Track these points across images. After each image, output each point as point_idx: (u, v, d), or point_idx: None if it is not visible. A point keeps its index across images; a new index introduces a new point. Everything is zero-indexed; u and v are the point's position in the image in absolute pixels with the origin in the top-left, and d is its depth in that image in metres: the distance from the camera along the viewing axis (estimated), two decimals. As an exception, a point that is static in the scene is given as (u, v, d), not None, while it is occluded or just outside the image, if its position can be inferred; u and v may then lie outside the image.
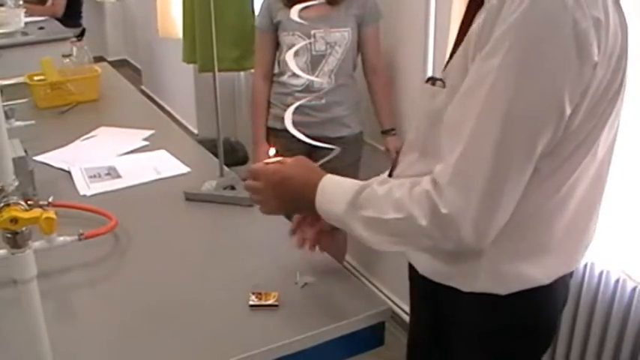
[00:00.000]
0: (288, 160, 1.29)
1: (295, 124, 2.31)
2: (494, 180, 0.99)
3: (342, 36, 2.35)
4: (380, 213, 1.09)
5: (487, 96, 0.97)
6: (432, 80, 1.13)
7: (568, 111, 0.98)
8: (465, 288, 1.17)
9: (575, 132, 1.02)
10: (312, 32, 2.31)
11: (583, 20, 0.93)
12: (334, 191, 1.19)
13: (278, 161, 1.29)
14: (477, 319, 1.20)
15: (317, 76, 2.38)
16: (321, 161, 1.70)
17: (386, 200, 1.09)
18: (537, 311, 1.20)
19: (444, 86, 1.10)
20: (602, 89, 1.01)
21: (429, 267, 1.22)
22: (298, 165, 1.29)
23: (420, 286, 1.28)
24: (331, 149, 1.52)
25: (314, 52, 2.35)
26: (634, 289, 1.79)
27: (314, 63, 2.36)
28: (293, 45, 2.32)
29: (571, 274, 1.26)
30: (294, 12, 2.10)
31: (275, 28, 2.42)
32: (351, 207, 1.13)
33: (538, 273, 1.14)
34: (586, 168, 1.09)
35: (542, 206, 1.08)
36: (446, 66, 1.12)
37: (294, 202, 1.27)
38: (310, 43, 2.33)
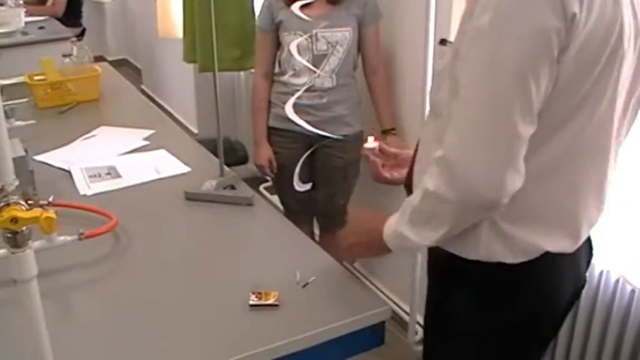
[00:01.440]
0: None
1: (297, 124, 2.32)
2: (491, 121, 1.03)
3: (344, 35, 2.35)
4: (411, 205, 1.15)
5: (480, 45, 1.02)
6: (444, 42, 1.17)
7: (555, 51, 1.00)
8: (470, 255, 1.18)
9: (570, 88, 1.05)
10: (314, 31, 2.31)
11: None
12: (390, 220, 1.24)
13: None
14: (480, 305, 1.22)
15: (318, 76, 2.38)
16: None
17: (416, 193, 1.15)
18: (542, 287, 1.21)
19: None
20: (590, 46, 1.03)
21: None
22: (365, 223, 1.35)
23: (430, 258, 1.34)
24: (330, 138, 1.53)
25: (315, 52, 2.35)
26: (633, 290, 1.79)
27: (316, 63, 2.36)
28: (295, 46, 2.33)
29: (586, 263, 1.27)
30: (296, 7, 2.10)
31: (276, 27, 2.42)
32: (400, 217, 1.19)
33: (541, 240, 1.16)
34: (589, 138, 1.11)
35: (545, 167, 1.11)
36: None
37: (373, 250, 1.33)
38: (312, 43, 2.33)
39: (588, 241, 1.28)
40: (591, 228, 1.24)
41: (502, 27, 1.00)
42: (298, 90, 2.33)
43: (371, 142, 1.44)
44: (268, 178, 2.85)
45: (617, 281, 1.82)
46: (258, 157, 2.56)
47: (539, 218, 1.15)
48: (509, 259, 1.16)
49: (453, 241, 1.17)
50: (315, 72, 2.36)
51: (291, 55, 2.34)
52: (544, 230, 1.16)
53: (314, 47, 2.34)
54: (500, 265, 1.17)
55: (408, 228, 1.17)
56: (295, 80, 2.40)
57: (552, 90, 1.04)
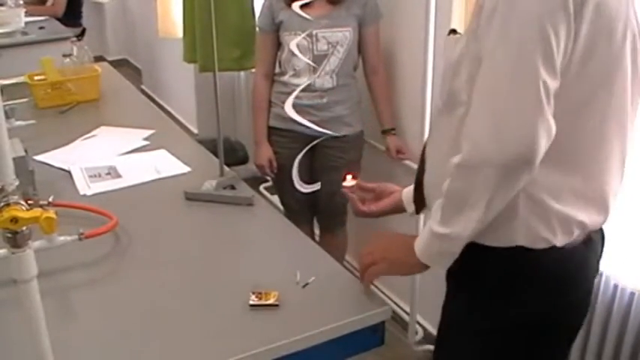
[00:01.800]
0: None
1: (296, 121, 2.32)
2: (515, 72, 1.04)
3: (344, 36, 2.35)
4: (443, 195, 1.15)
5: (498, 18, 1.04)
6: (453, 32, 1.18)
7: (571, 6, 1.02)
8: (489, 242, 1.19)
9: (593, 53, 1.08)
10: (314, 31, 2.31)
11: None
12: (421, 233, 1.23)
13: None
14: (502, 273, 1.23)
15: (319, 76, 2.38)
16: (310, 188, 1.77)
17: (446, 182, 1.14)
18: (571, 283, 1.22)
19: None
20: (604, 12, 1.06)
21: None
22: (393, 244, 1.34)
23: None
24: (330, 135, 1.54)
25: (316, 52, 2.35)
26: (633, 292, 1.79)
27: (316, 63, 2.36)
28: (295, 45, 2.33)
29: (599, 254, 1.29)
30: (296, 6, 2.10)
31: (277, 28, 2.42)
32: (431, 221, 1.18)
33: (578, 214, 1.17)
34: (613, 108, 1.14)
35: (577, 141, 1.14)
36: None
37: (403, 268, 1.32)
38: (312, 43, 2.33)
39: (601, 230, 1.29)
40: (615, 198, 1.25)
41: None
42: (297, 99, 2.33)
43: (349, 181, 1.48)
44: (268, 177, 2.86)
45: (617, 283, 1.82)
46: (258, 157, 2.57)
47: (574, 192, 1.16)
48: (551, 239, 1.17)
49: (488, 231, 1.16)
50: (315, 72, 2.37)
51: (292, 54, 2.35)
52: (578, 204, 1.17)
53: (314, 47, 2.34)
54: (540, 255, 1.17)
55: (444, 224, 1.15)
56: (295, 80, 2.40)
57: (574, 53, 1.06)
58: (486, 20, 1.07)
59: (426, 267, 1.23)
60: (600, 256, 1.30)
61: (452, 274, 1.30)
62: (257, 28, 2.54)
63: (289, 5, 2.30)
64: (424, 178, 1.31)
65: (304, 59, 2.33)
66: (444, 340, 1.38)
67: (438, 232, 1.16)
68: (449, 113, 1.21)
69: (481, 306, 1.26)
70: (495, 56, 1.06)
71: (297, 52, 2.28)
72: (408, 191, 1.44)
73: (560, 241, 1.17)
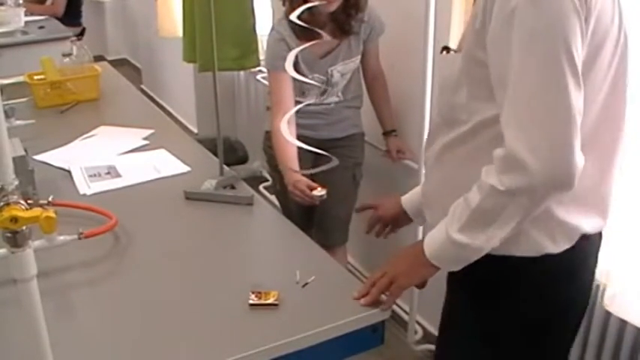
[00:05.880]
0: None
1: (304, 126, 2.31)
2: (542, 103, 1.02)
3: (355, 64, 2.35)
4: (469, 208, 1.12)
5: (514, 37, 1.03)
6: (446, 50, 1.17)
7: (582, 12, 1.02)
8: (510, 252, 1.18)
9: (594, 57, 1.08)
10: (330, 70, 2.30)
11: None
12: (432, 234, 1.21)
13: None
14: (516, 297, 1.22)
15: (326, 98, 2.38)
16: (320, 169, 1.69)
17: (473, 195, 1.12)
18: (580, 274, 1.23)
19: (458, 51, 1.16)
20: (602, 21, 1.06)
21: None
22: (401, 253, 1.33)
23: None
24: (331, 158, 1.50)
25: (329, 84, 2.36)
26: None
27: (326, 87, 2.37)
28: (309, 87, 2.30)
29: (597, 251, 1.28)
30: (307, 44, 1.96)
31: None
32: (449, 225, 1.15)
33: (579, 221, 1.17)
34: (612, 111, 1.15)
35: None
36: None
37: (417, 273, 1.29)
38: (327, 78, 2.32)
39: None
40: (612, 204, 1.25)
41: (534, 4, 1.01)
42: (307, 106, 2.31)
43: (319, 191, 1.62)
44: (269, 179, 2.82)
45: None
46: (293, 184, 2.19)
47: (575, 198, 1.15)
48: (552, 248, 1.16)
49: None
50: (324, 93, 2.36)
51: (302, 82, 2.28)
52: (579, 210, 1.17)
53: (328, 81, 2.34)
54: (538, 258, 1.17)
55: (465, 235, 1.13)
56: (303, 99, 2.38)
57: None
58: (499, 34, 1.06)
59: (437, 268, 1.22)
60: (597, 256, 1.29)
61: (452, 275, 1.30)
62: (270, 66, 2.34)
63: (301, 39, 2.18)
64: (422, 187, 1.31)
65: (316, 84, 2.29)
66: (445, 340, 1.38)
67: (457, 240, 1.14)
68: (448, 129, 1.21)
69: (481, 306, 1.26)
70: (521, 77, 1.04)
71: (308, 80, 2.21)
72: (408, 199, 1.44)
73: (560, 248, 1.17)
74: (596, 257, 1.30)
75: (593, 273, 1.30)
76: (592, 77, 1.09)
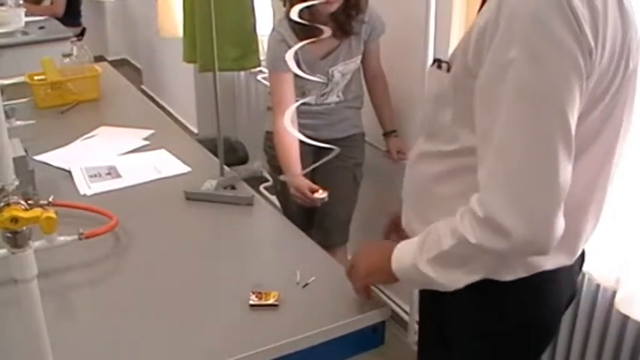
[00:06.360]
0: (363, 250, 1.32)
1: (305, 126, 2.31)
2: (530, 173, 0.97)
3: (356, 64, 2.35)
4: (440, 247, 1.08)
5: (507, 91, 0.96)
6: (437, 62, 1.14)
7: (584, 79, 0.96)
8: None
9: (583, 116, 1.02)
10: (331, 70, 2.30)
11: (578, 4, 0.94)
12: (403, 249, 1.18)
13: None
14: (478, 311, 1.20)
15: (327, 98, 2.37)
16: (322, 161, 1.68)
17: (445, 232, 1.08)
18: (540, 302, 1.19)
19: (448, 69, 1.10)
20: (604, 78, 1.01)
21: None
22: (373, 248, 1.31)
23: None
24: (332, 149, 1.50)
25: (329, 85, 2.36)
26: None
27: (327, 87, 2.36)
28: (310, 88, 2.30)
29: (577, 272, 1.26)
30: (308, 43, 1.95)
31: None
32: (418, 253, 1.13)
33: (540, 260, 1.13)
34: (596, 158, 1.10)
35: None
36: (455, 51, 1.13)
37: (380, 276, 1.29)
38: (328, 78, 2.32)
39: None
40: (587, 242, 1.22)
41: (535, 61, 0.94)
42: (306, 105, 2.30)
43: (321, 193, 1.55)
44: (269, 179, 2.82)
45: (617, 283, 1.82)
46: (298, 188, 2.24)
47: None
48: (509, 276, 1.14)
49: None
50: (324, 94, 2.36)
51: (303, 82, 2.28)
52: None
53: (329, 81, 2.34)
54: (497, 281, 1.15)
55: (432, 268, 1.10)
56: (302, 99, 2.38)
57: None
58: (490, 84, 0.99)
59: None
60: (572, 274, 1.25)
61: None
62: (271, 67, 2.33)
63: (301, 39, 2.10)
64: (403, 186, 1.29)
65: (320, 80, 2.29)
66: (436, 351, 1.38)
67: (423, 271, 1.11)
68: (428, 140, 1.19)
69: (472, 312, 1.25)
70: (510, 138, 0.97)
71: (309, 77, 2.21)
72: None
73: (517, 276, 1.15)
74: (570, 275, 1.24)
75: (559, 300, 1.24)
76: (587, 124, 1.04)
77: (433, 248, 1.10)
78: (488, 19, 0.98)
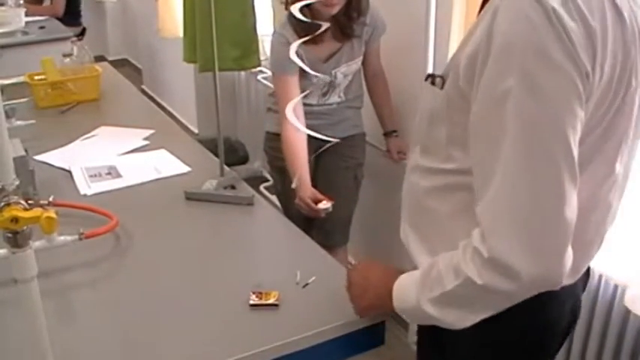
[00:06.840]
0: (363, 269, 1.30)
1: (307, 127, 2.30)
2: (536, 210, 0.93)
3: (357, 65, 2.35)
4: (443, 286, 1.04)
5: (507, 123, 0.93)
6: (431, 78, 1.13)
7: (583, 104, 0.93)
8: None
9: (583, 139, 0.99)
10: (334, 72, 2.30)
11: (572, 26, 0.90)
12: (405, 288, 1.15)
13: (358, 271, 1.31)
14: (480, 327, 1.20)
15: (328, 98, 2.37)
16: (323, 148, 1.68)
17: (447, 271, 1.04)
18: (540, 315, 1.17)
19: (442, 85, 1.08)
20: (604, 101, 0.98)
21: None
22: (373, 279, 1.28)
23: None
24: (332, 142, 1.50)
25: (332, 86, 2.36)
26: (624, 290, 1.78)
27: (329, 88, 2.37)
28: (312, 89, 2.30)
29: (583, 288, 1.24)
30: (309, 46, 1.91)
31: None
32: (420, 292, 1.09)
33: None
34: (599, 185, 1.08)
35: None
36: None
37: (382, 310, 1.29)
38: (331, 80, 2.32)
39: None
40: (590, 260, 1.20)
41: (534, 89, 0.91)
42: (308, 106, 2.30)
43: (325, 204, 1.55)
44: (270, 179, 2.81)
45: (617, 284, 1.82)
46: (302, 196, 2.22)
47: None
48: None
49: None
50: (325, 95, 2.36)
51: (305, 83, 2.29)
52: None
53: (332, 82, 2.34)
54: None
55: (437, 309, 1.07)
56: (307, 100, 2.37)
57: None
58: (487, 111, 0.95)
59: None
60: (584, 287, 1.24)
61: None
62: (275, 70, 2.31)
63: (305, 43, 2.18)
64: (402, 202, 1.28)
65: (325, 77, 2.29)
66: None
67: (428, 312, 1.08)
68: (423, 153, 1.17)
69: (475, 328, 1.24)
70: (513, 172, 0.93)
71: (320, 75, 2.21)
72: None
73: None
74: (573, 293, 1.21)
75: (561, 315, 1.21)
76: (587, 144, 1.00)
77: (436, 287, 1.06)
78: (479, 47, 0.95)
